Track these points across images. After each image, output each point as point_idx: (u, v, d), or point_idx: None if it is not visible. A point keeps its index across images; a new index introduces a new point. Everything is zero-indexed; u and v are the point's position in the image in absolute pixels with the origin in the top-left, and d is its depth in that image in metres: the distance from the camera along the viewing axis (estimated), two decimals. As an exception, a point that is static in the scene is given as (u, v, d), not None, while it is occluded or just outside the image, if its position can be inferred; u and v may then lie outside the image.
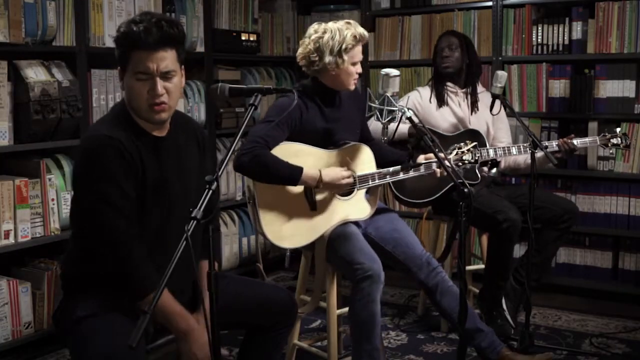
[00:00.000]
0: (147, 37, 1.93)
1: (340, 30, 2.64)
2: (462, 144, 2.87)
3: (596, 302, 3.84)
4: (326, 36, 2.64)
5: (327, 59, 2.64)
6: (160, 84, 1.97)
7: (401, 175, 2.78)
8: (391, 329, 3.49)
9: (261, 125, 2.65)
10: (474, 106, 3.44)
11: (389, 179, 2.80)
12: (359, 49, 2.69)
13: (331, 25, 2.67)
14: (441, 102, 3.44)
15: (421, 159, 2.82)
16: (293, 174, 2.57)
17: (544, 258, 3.30)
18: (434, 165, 2.77)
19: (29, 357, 3.15)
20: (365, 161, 2.80)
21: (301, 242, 2.71)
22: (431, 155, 2.74)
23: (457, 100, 3.45)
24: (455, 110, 3.43)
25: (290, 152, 2.64)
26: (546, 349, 3.10)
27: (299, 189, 2.66)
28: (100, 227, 1.94)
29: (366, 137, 2.94)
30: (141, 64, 1.95)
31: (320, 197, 2.69)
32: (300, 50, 2.73)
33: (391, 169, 2.79)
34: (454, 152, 2.84)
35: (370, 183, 2.77)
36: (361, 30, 2.67)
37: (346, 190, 2.75)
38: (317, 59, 2.67)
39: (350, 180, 2.69)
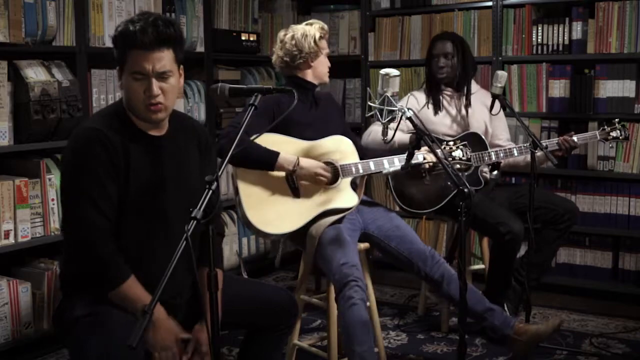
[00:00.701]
0: (143, 37, 1.93)
1: (307, 27, 2.92)
2: (451, 142, 2.93)
3: (596, 302, 3.84)
4: (298, 33, 2.90)
5: (307, 49, 2.88)
6: (155, 85, 1.97)
7: (385, 166, 2.82)
8: (391, 329, 3.49)
9: (241, 116, 2.71)
10: (467, 103, 3.42)
11: (373, 169, 2.83)
12: (325, 42, 2.96)
13: (295, 26, 2.97)
14: (438, 108, 3.41)
15: (420, 157, 2.85)
16: (269, 156, 2.66)
17: (544, 258, 3.30)
18: (420, 157, 2.83)
19: (29, 357, 3.14)
20: (347, 152, 2.87)
21: (286, 228, 2.72)
22: (423, 148, 2.84)
23: (454, 102, 3.43)
24: (452, 113, 3.41)
25: (268, 142, 2.70)
26: (546, 348, 3.11)
27: (280, 174, 2.72)
28: (76, 219, 1.96)
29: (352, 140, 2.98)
30: (137, 64, 1.95)
31: (303, 184, 2.73)
32: (279, 54, 2.96)
33: (385, 161, 2.81)
34: (442, 146, 2.89)
35: (354, 172, 2.81)
36: (322, 23, 2.95)
37: (330, 179, 2.79)
38: (297, 52, 2.88)
39: (328, 174, 2.74)
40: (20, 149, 3.09)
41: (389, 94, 2.55)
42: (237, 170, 2.70)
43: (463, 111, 3.42)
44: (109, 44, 3.35)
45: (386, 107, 2.52)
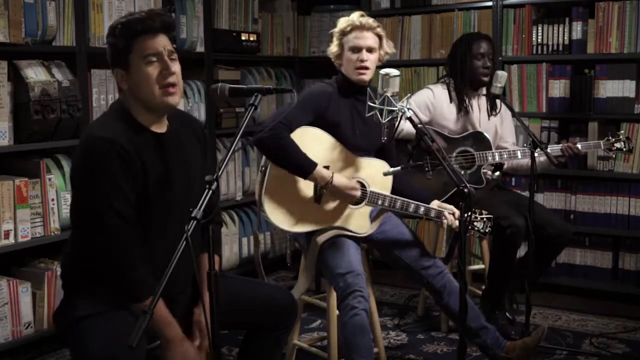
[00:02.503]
0: (151, 23, 1.98)
1: (340, 20, 2.79)
2: (477, 210, 2.76)
3: (596, 302, 3.84)
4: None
5: (331, 46, 2.79)
6: (170, 63, 2.01)
7: (410, 210, 2.74)
8: (391, 329, 3.49)
9: (286, 106, 2.68)
10: (492, 110, 3.38)
11: (398, 209, 2.75)
12: (354, 35, 2.74)
13: None
14: (463, 108, 3.33)
15: (434, 204, 2.77)
16: (306, 166, 2.58)
17: (536, 272, 3.28)
18: (446, 213, 2.71)
19: (29, 357, 3.15)
20: (383, 182, 2.76)
21: (288, 226, 2.69)
22: (446, 205, 2.74)
23: (472, 102, 3.39)
24: (469, 114, 3.38)
25: (314, 138, 2.66)
26: (546, 348, 3.11)
27: None
28: (99, 229, 1.94)
29: (387, 157, 2.86)
30: (149, 47, 1.99)
31: (328, 194, 2.69)
32: None
33: (412, 205, 2.76)
34: (469, 213, 2.68)
35: (378, 204, 2.74)
36: (353, 17, 2.76)
37: (356, 200, 2.73)
38: (329, 46, 2.81)
39: (358, 193, 2.67)
40: (20, 149, 3.09)
41: (389, 94, 2.54)
42: None
43: (477, 111, 3.38)
44: (109, 44, 3.35)
45: (386, 107, 2.52)
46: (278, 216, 2.66)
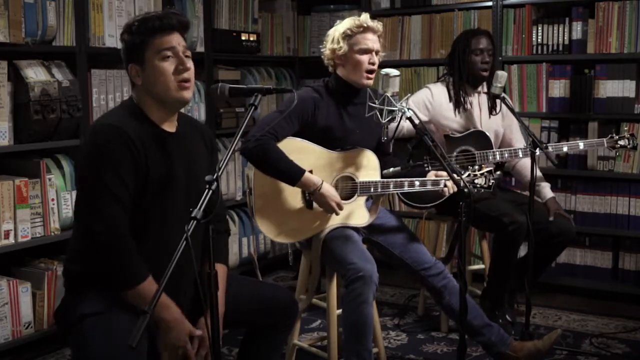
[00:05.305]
0: (167, 20, 2.03)
1: (346, 20, 2.76)
2: (476, 166, 2.73)
3: (596, 302, 3.84)
4: (335, 27, 2.77)
5: (330, 45, 2.75)
6: (186, 59, 2.04)
7: (405, 188, 2.74)
8: (391, 329, 3.49)
9: (273, 114, 2.67)
10: (492, 109, 3.37)
11: (392, 190, 2.75)
12: (364, 37, 2.70)
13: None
14: (460, 105, 3.33)
15: (431, 175, 2.75)
16: (295, 172, 2.58)
17: (536, 272, 3.28)
18: (441, 184, 2.69)
19: (29, 357, 3.15)
20: (370, 168, 2.77)
21: (290, 238, 2.72)
22: (442, 173, 2.71)
23: (470, 100, 3.38)
24: (470, 111, 3.38)
25: (292, 147, 2.64)
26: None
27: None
28: (97, 213, 1.94)
29: (383, 152, 2.88)
30: (164, 43, 2.02)
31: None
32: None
33: (393, 176, 2.75)
34: (467, 173, 2.70)
35: (372, 191, 2.75)
36: (364, 18, 2.72)
37: (347, 194, 2.74)
38: (323, 46, 2.78)
39: (339, 211, 2.65)
40: (20, 149, 3.09)
41: (389, 94, 2.54)
42: (255, 172, 2.66)
43: (477, 110, 3.38)
44: (109, 44, 3.35)
45: (386, 107, 2.52)
46: (277, 233, 2.68)
